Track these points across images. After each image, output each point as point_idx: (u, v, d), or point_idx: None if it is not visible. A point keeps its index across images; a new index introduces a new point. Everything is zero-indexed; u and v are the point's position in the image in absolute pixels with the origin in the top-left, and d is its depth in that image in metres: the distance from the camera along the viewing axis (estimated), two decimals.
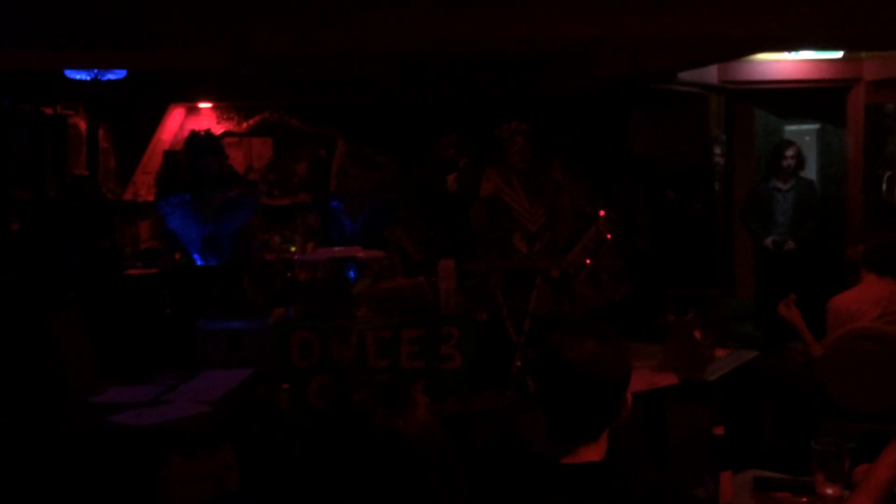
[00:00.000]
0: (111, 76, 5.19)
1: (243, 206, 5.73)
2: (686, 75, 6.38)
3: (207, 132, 5.84)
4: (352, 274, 5.03)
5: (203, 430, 3.43)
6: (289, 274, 5.81)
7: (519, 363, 5.21)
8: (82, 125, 6.55)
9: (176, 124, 7.26)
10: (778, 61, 6.64)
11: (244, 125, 7.33)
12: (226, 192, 5.67)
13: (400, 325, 4.52)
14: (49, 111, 6.10)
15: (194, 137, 5.77)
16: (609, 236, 5.86)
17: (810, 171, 7.33)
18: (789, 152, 6.55)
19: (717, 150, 6.98)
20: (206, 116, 7.37)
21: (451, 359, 4.60)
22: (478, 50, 5.10)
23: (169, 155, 6.83)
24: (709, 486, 2.37)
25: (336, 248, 5.52)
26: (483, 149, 5.95)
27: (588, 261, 5.46)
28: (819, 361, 3.93)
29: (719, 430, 2.42)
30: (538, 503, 1.85)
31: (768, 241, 6.59)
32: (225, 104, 7.31)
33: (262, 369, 4.32)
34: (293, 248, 6.44)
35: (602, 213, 5.83)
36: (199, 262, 5.58)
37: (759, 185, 6.84)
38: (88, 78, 5.09)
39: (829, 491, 2.32)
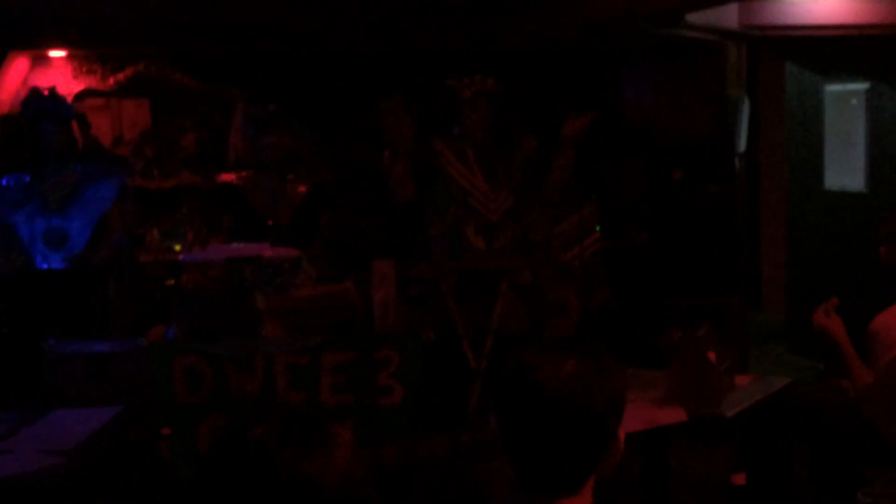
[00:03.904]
0: None
1: (104, 190, 5.67)
2: (697, 17, 6.44)
3: (52, 90, 5.76)
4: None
5: (53, 488, 3.38)
6: (171, 280, 5.76)
7: (478, 396, 5.22)
8: None
9: (17, 79, 7.15)
10: (817, 0, 6.73)
11: (111, 81, 7.26)
12: (79, 171, 5.61)
13: (320, 348, 4.53)
14: None
15: (32, 97, 5.69)
16: (598, 229, 5.92)
17: (858, 144, 7.44)
18: None
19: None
20: (58, 69, 7.28)
21: (388, 392, 4.61)
22: None
23: (6, 121, 6.73)
24: None
25: (235, 245, 5.50)
26: (434, 113, 5.97)
27: (569, 256, 5.50)
28: (867, 392, 3.98)
29: (739, 479, 2.44)
30: None
31: None
32: (85, 53, 7.23)
33: (133, 407, 4.26)
34: (178, 247, 6.38)
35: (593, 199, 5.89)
36: (41, 265, 5.52)
37: None
38: None
39: None
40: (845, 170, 7.55)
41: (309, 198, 6.18)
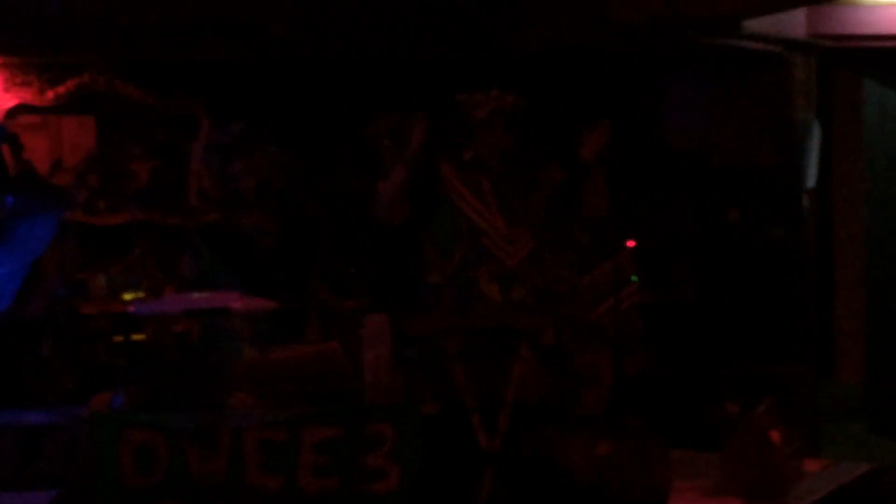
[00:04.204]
0: None
1: (38, 227, 5.69)
2: (757, 24, 6.47)
3: None
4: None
5: None
6: (119, 337, 5.76)
7: (490, 483, 5.21)
8: None
9: None
10: None
11: (50, 94, 7.28)
12: (9, 203, 5.64)
13: (300, 422, 4.52)
14: None
15: None
16: (636, 279, 5.91)
17: None
18: None
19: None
20: None
21: (381, 476, 4.61)
22: None
23: None
24: None
25: (198, 295, 5.51)
26: (440, 135, 5.98)
27: (601, 311, 5.50)
28: None
29: None
30: None
31: None
32: (18, 60, 7.26)
33: (72, 491, 4.28)
34: (128, 297, 6.41)
35: (631, 243, 5.88)
36: None
37: None
38: None
39: None
40: None
41: (285, 237, 6.19)
